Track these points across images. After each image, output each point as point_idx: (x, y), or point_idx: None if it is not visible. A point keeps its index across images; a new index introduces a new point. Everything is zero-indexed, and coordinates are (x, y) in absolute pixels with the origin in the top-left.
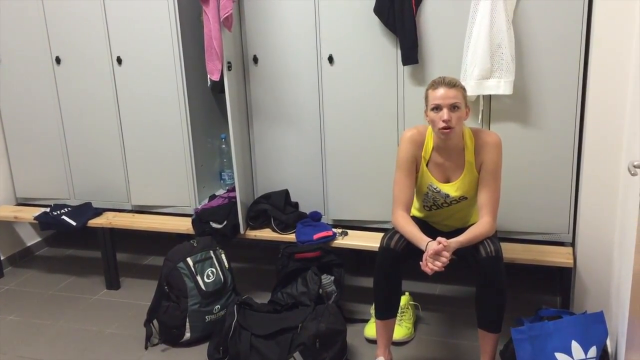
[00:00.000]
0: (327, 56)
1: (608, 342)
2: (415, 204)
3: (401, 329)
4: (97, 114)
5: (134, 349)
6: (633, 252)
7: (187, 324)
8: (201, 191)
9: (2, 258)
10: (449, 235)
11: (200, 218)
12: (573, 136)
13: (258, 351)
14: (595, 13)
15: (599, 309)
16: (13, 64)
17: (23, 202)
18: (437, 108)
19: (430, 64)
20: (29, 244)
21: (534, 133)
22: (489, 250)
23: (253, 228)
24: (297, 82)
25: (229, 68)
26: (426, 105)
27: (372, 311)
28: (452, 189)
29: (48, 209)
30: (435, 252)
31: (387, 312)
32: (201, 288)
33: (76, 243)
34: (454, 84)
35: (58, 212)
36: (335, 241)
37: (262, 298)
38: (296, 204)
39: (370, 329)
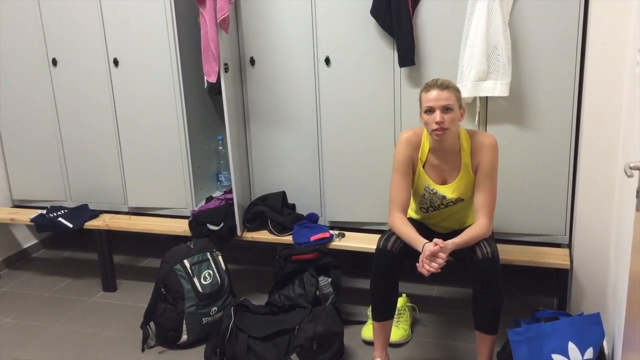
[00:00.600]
0: (324, 58)
1: (605, 343)
2: (413, 205)
3: (398, 331)
4: (93, 115)
5: (131, 351)
6: (630, 254)
7: (184, 326)
8: (198, 193)
9: None
10: (446, 236)
11: (197, 220)
12: (569, 137)
13: (255, 353)
14: (591, 15)
15: (596, 311)
16: (9, 66)
17: (19, 204)
18: (430, 110)
19: (426, 65)
20: (25, 246)
21: (530, 134)
22: (485, 251)
23: (250, 230)
24: (294, 84)
25: (226, 70)
26: (420, 108)
27: (369, 313)
28: (448, 191)
29: (44, 211)
30: (431, 254)
31: (384, 314)
32: (198, 290)
33: (73, 245)
34: (446, 86)
35: (54, 214)
36: (333, 243)
37: (259, 300)
38: (293, 206)
39: (368, 331)
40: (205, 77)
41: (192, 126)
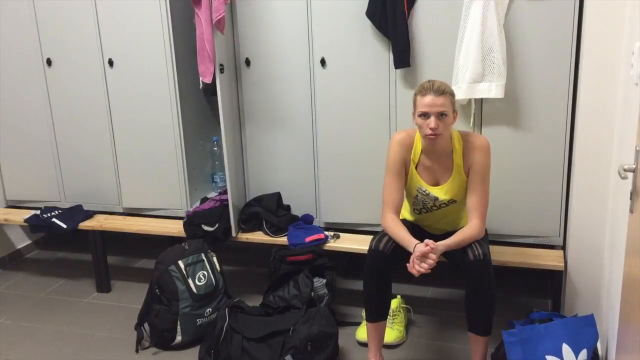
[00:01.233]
0: (320, 59)
1: (599, 345)
2: (406, 207)
3: (393, 332)
4: (88, 116)
5: (125, 352)
6: (623, 255)
7: (178, 327)
8: (193, 194)
9: None
10: (440, 238)
11: (191, 221)
12: (564, 139)
13: (249, 354)
14: (585, 17)
15: (590, 312)
16: (3, 66)
17: (13, 205)
18: (425, 115)
19: (422, 67)
20: (19, 247)
21: (525, 136)
22: (476, 253)
23: (245, 231)
24: (289, 85)
25: (221, 70)
26: (414, 109)
27: (364, 314)
28: (441, 192)
29: (38, 212)
30: (422, 254)
31: (377, 315)
32: (192, 291)
33: (67, 246)
34: (442, 91)
35: (48, 214)
36: (327, 244)
37: (254, 301)
38: (288, 207)
39: (362, 332)
40: (201, 78)
41: (187, 127)
